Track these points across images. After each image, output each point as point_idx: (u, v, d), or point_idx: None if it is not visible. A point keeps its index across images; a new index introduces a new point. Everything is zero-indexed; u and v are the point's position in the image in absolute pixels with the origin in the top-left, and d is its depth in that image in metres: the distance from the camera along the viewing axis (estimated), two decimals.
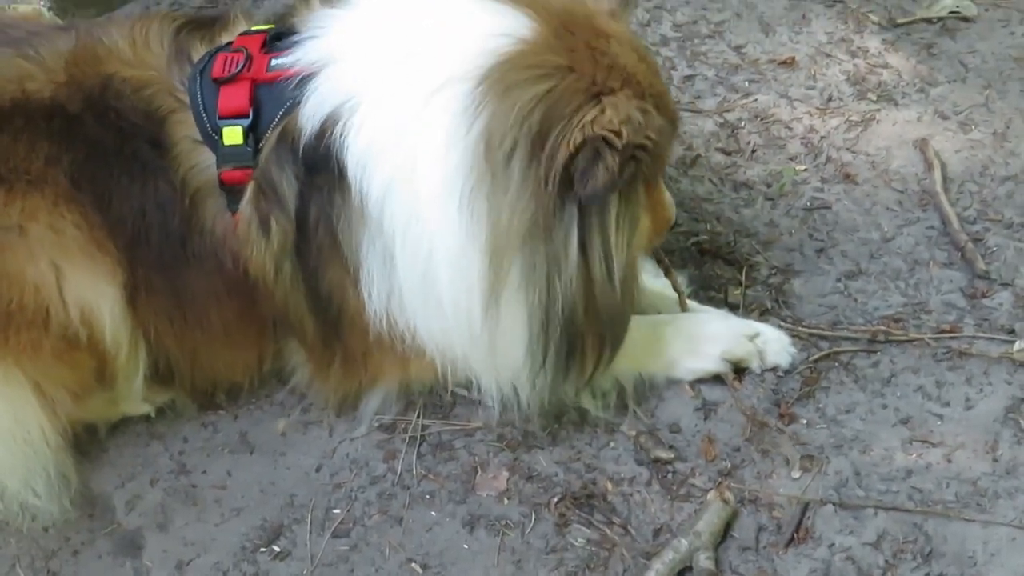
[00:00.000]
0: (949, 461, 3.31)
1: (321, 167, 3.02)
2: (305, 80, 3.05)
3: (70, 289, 3.07)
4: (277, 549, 3.21)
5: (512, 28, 2.93)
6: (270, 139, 3.10)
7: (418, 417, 3.45)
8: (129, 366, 3.27)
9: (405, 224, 2.97)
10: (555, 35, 2.94)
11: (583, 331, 3.08)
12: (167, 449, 3.46)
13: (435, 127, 2.90)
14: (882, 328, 3.65)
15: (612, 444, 3.40)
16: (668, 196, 3.40)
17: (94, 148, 3.13)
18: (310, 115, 3.01)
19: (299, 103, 3.04)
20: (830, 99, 4.58)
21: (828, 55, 4.79)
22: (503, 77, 2.88)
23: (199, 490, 3.36)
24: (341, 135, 2.97)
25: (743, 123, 4.50)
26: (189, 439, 3.48)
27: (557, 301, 2.99)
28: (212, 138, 3.12)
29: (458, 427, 3.46)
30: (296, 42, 3.14)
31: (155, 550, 3.23)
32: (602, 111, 2.85)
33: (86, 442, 3.39)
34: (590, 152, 2.82)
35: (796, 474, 3.30)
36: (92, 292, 3.10)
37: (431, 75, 2.93)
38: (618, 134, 2.82)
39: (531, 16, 2.95)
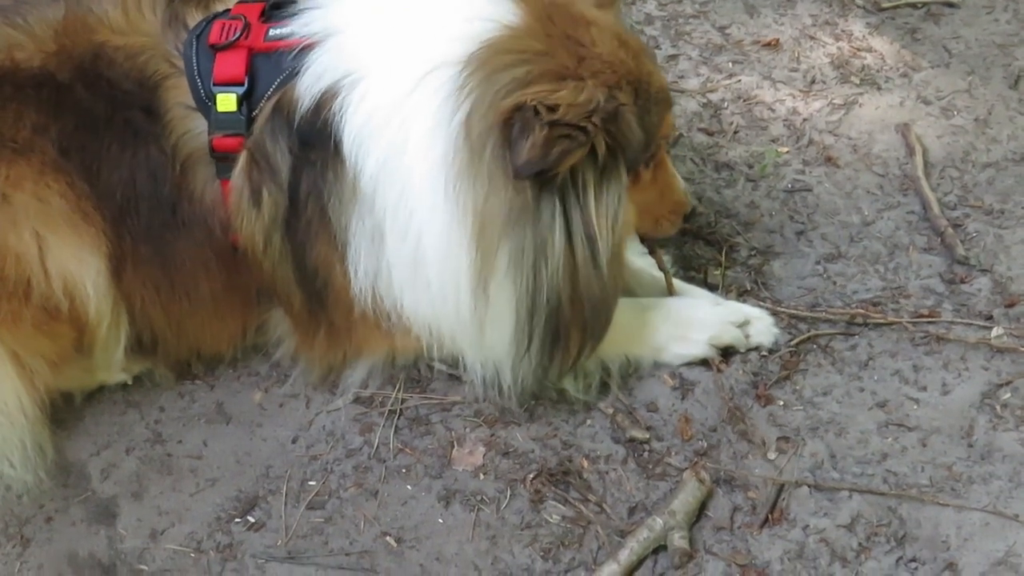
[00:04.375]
0: (924, 445, 3.32)
1: (316, 142, 3.04)
2: (304, 51, 3.06)
3: (53, 259, 3.06)
4: (252, 520, 3.21)
5: (499, 14, 2.97)
6: (264, 109, 3.10)
7: (397, 391, 3.45)
8: (110, 337, 3.27)
9: (396, 204, 3.00)
10: (538, 21, 2.97)
11: (569, 319, 3.10)
12: (143, 418, 3.45)
13: (424, 110, 2.93)
14: (860, 311, 3.65)
15: (589, 422, 3.40)
16: (680, 182, 3.46)
17: (84, 117, 3.13)
18: (308, 87, 3.03)
19: (296, 74, 3.05)
20: (813, 82, 4.59)
21: (812, 38, 4.79)
22: (486, 62, 2.91)
23: (174, 459, 3.35)
24: (339, 110, 2.99)
25: (726, 104, 4.50)
26: (165, 408, 3.47)
27: (544, 288, 3.01)
28: (205, 104, 3.12)
29: (435, 401, 3.45)
30: (295, 12, 3.16)
31: (129, 518, 3.22)
32: (556, 88, 2.84)
33: (62, 410, 3.38)
34: (520, 122, 2.81)
35: (772, 455, 3.31)
36: (76, 263, 3.08)
37: (423, 56, 2.96)
38: (552, 109, 2.81)
39: (517, 2, 2.99)
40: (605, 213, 3.03)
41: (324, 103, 3.01)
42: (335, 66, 3.02)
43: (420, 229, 3.00)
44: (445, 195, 2.93)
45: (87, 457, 3.35)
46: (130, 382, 3.47)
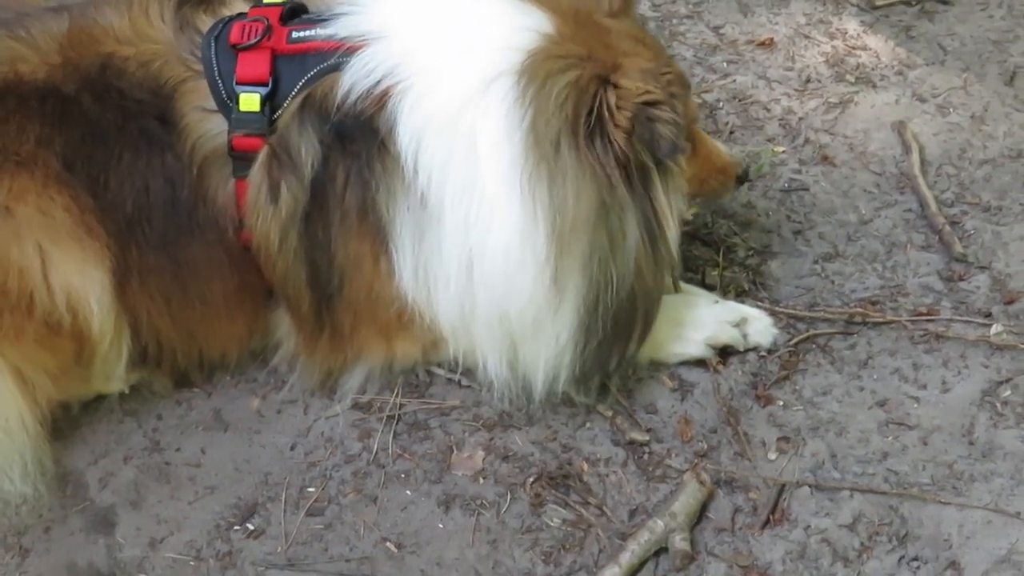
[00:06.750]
0: (925, 444, 3.32)
1: (359, 136, 3.08)
2: (347, 53, 3.09)
3: (56, 274, 3.04)
4: (251, 527, 3.20)
5: (535, 23, 3.09)
6: (290, 107, 3.12)
7: (395, 396, 3.44)
8: (112, 351, 3.25)
9: (457, 201, 3.05)
10: (570, 29, 3.09)
11: (629, 314, 3.19)
12: (141, 426, 3.43)
13: (491, 116, 3.01)
14: (859, 310, 3.65)
15: (588, 424, 3.39)
16: (719, 145, 3.58)
17: (91, 128, 3.12)
18: (354, 85, 3.06)
19: (329, 72, 3.09)
20: (808, 81, 4.59)
21: (807, 37, 4.79)
22: (539, 69, 3.01)
23: (173, 467, 3.33)
24: (393, 108, 3.04)
25: (721, 104, 4.50)
26: (163, 416, 3.46)
27: (613, 282, 3.08)
28: (226, 104, 3.14)
29: (434, 406, 3.44)
30: (324, 17, 3.21)
31: (128, 527, 3.20)
32: (617, 87, 2.99)
33: (59, 419, 3.34)
34: (642, 122, 2.97)
35: (772, 456, 3.30)
36: (79, 277, 3.07)
37: (481, 66, 3.05)
38: (648, 91, 2.98)
39: (546, 13, 3.11)
40: (669, 204, 3.16)
41: (373, 100, 3.05)
42: (385, 67, 3.06)
43: (486, 225, 3.04)
44: (520, 195, 2.99)
45: (85, 466, 3.34)
46: (127, 391, 3.46)
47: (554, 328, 3.15)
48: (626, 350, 3.30)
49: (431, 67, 3.07)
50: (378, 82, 3.05)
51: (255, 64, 3.14)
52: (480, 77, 3.02)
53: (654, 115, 2.97)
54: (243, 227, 3.20)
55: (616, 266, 3.07)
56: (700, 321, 3.52)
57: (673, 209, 3.17)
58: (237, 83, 3.13)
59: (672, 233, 3.18)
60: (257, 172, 3.13)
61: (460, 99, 3.03)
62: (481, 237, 3.05)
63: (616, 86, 2.99)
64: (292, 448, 3.37)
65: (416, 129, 3.03)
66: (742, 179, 3.65)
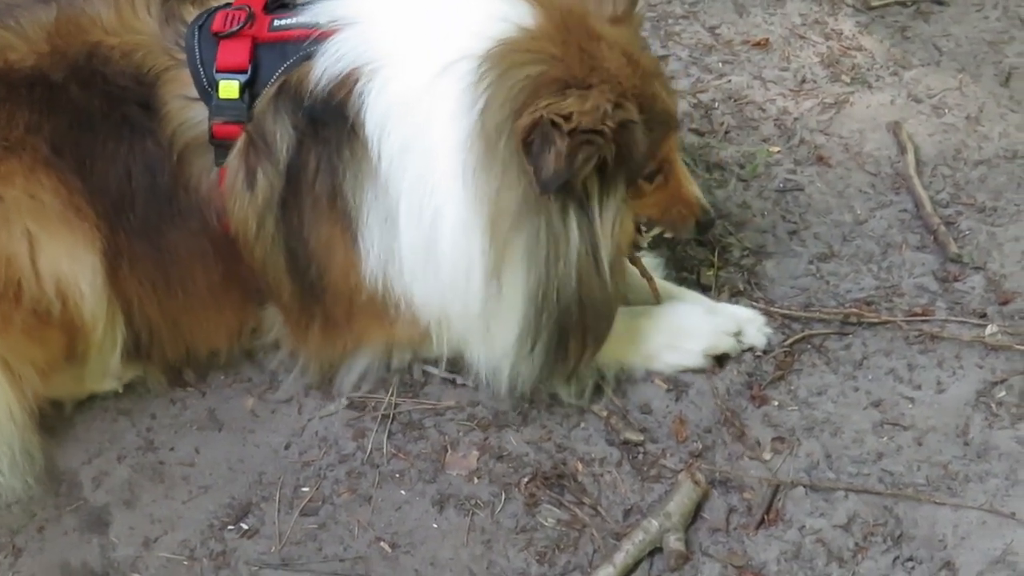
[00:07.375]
0: (920, 444, 3.31)
1: (329, 120, 3.08)
2: (319, 39, 3.10)
3: (45, 259, 3.04)
4: (245, 527, 3.19)
5: (516, 16, 3.05)
6: (267, 94, 3.13)
7: (390, 396, 3.43)
8: (106, 341, 3.25)
9: (413, 188, 3.05)
10: (554, 27, 3.05)
11: (574, 323, 3.14)
12: (135, 425, 3.42)
13: (445, 100, 2.99)
14: (854, 311, 3.64)
15: (583, 424, 3.39)
16: (694, 191, 3.44)
17: (79, 115, 3.14)
18: (325, 70, 3.07)
19: (306, 59, 3.10)
20: (804, 81, 4.59)
21: (802, 37, 4.79)
22: (503, 59, 2.98)
23: (167, 467, 3.33)
24: (361, 93, 3.04)
25: (716, 104, 4.50)
26: (157, 415, 3.45)
27: (554, 287, 3.06)
28: (207, 91, 3.15)
29: (428, 406, 3.44)
30: (304, 5, 3.21)
31: (122, 527, 3.20)
32: (563, 98, 2.91)
33: (52, 418, 3.35)
34: (539, 136, 2.89)
35: (767, 456, 3.30)
36: (69, 261, 3.07)
37: (445, 49, 3.02)
38: (567, 119, 2.87)
39: (534, 7, 3.07)
40: (607, 220, 3.10)
41: (343, 85, 3.05)
42: (356, 52, 3.07)
43: (437, 214, 3.03)
44: (464, 183, 2.98)
45: (79, 465, 3.33)
46: (121, 390, 3.45)
47: (502, 322, 3.14)
48: (580, 358, 3.26)
49: (400, 51, 3.07)
50: (347, 67, 3.05)
51: (235, 52, 3.16)
52: (441, 60, 3.01)
53: (552, 139, 2.86)
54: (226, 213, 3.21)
55: (557, 270, 3.04)
56: (697, 331, 3.51)
57: (609, 226, 3.11)
58: (217, 71, 3.15)
59: (607, 250, 3.10)
60: (235, 159, 3.15)
61: (423, 82, 3.02)
62: (432, 225, 3.05)
63: (565, 96, 2.92)
64: (286, 447, 3.37)
65: (381, 114, 3.03)
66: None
